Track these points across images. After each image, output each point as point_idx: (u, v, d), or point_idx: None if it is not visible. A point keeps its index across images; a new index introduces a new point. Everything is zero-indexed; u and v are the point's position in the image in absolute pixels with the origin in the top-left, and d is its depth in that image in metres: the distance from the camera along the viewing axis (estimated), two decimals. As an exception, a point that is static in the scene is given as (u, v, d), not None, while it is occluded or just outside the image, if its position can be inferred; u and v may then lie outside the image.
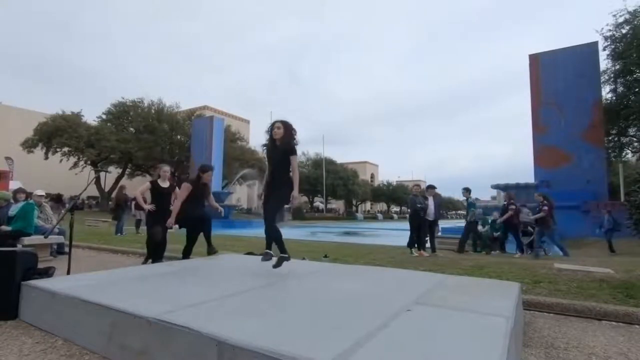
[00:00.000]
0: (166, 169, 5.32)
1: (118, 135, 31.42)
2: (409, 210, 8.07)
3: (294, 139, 3.66)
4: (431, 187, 8.14)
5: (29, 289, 2.81)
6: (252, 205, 51.35)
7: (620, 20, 16.69)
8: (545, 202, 8.05)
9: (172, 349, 1.86)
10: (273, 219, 3.62)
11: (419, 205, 7.53)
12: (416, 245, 7.53)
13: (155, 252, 5.15)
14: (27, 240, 5.64)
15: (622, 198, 14.45)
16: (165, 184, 5.21)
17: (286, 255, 3.60)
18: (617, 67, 17.64)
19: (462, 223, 11.79)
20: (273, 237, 3.62)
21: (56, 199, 34.76)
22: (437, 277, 3.63)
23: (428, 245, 8.00)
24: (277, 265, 3.57)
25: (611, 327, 3.04)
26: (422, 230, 7.61)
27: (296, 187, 3.47)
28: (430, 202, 7.78)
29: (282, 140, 3.59)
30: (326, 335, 1.80)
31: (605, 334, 2.85)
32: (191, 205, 4.68)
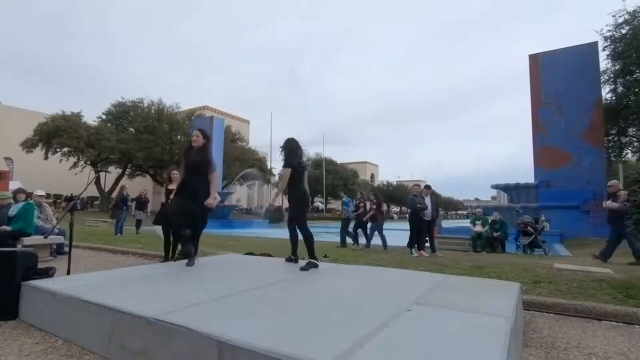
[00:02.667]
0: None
1: (118, 135, 31.39)
2: (408, 210, 8.10)
3: (290, 153, 4.15)
4: (427, 187, 8.18)
5: (29, 289, 2.81)
6: (251, 205, 51.36)
7: (620, 20, 16.68)
8: (374, 200, 9.34)
9: (172, 349, 1.86)
10: (304, 222, 4.19)
11: (419, 206, 7.54)
12: (416, 245, 7.55)
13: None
14: (27, 240, 5.64)
15: (622, 198, 14.42)
16: None
17: (316, 262, 4.04)
18: (617, 67, 17.61)
19: (462, 223, 11.82)
20: (309, 239, 4.15)
21: (69, 200, 35.51)
22: (437, 277, 3.63)
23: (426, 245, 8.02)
24: (306, 268, 3.87)
25: (611, 327, 3.04)
26: (421, 231, 7.64)
27: (277, 193, 3.95)
28: (428, 202, 7.80)
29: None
30: (326, 335, 1.80)
31: (605, 334, 2.85)
32: None
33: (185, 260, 3.91)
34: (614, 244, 6.89)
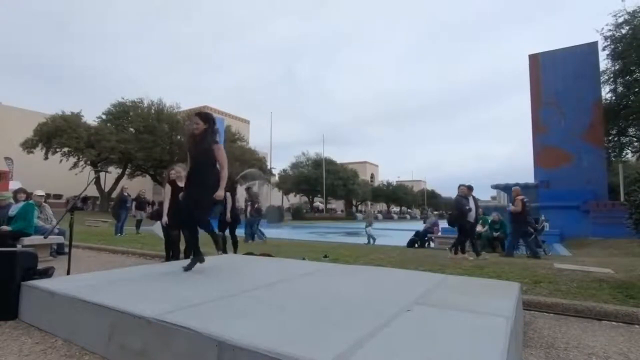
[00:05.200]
0: None
1: (118, 135, 31.37)
2: (448, 211, 7.83)
3: None
4: (470, 188, 7.63)
5: (29, 289, 2.81)
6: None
7: (620, 20, 16.69)
8: (250, 198, 10.85)
9: (172, 349, 1.86)
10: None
11: (467, 208, 7.18)
12: (455, 247, 7.17)
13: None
14: (27, 240, 5.64)
15: (622, 198, 14.43)
16: None
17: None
18: (617, 67, 17.62)
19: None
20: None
21: (83, 201, 36.12)
22: (437, 277, 3.63)
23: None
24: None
25: (611, 327, 3.04)
26: (467, 233, 7.22)
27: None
28: (472, 204, 7.38)
29: None
30: (326, 335, 1.80)
31: (605, 334, 2.85)
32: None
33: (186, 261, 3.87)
34: (515, 240, 7.90)
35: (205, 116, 3.69)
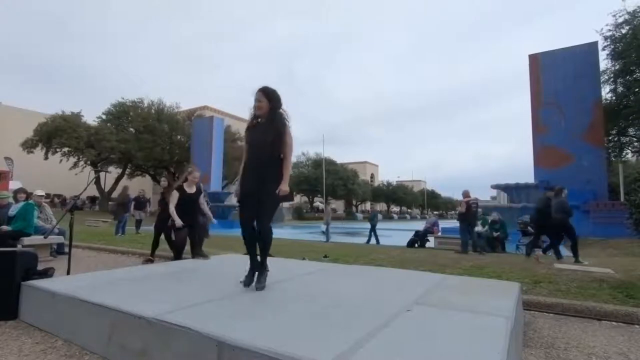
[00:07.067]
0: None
1: (118, 135, 31.41)
2: (536, 213, 7.41)
3: None
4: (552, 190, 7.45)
5: (29, 289, 2.81)
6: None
7: (620, 20, 16.70)
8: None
9: (172, 349, 1.86)
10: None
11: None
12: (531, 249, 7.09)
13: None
14: (27, 240, 5.64)
15: (622, 198, 14.42)
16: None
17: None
18: (617, 67, 17.62)
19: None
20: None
21: (91, 200, 36.85)
22: (437, 277, 3.64)
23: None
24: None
25: (611, 327, 3.04)
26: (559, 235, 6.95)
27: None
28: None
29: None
30: (326, 335, 1.80)
31: (605, 334, 2.85)
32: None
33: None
34: (466, 238, 8.53)
35: (271, 93, 2.90)
